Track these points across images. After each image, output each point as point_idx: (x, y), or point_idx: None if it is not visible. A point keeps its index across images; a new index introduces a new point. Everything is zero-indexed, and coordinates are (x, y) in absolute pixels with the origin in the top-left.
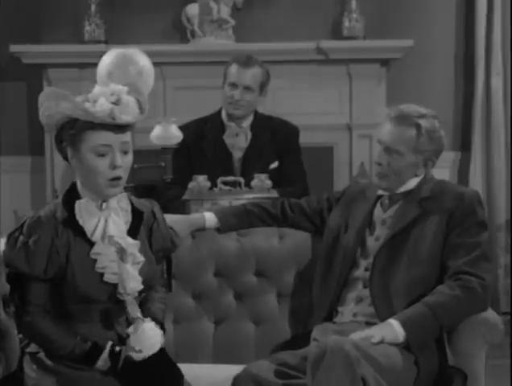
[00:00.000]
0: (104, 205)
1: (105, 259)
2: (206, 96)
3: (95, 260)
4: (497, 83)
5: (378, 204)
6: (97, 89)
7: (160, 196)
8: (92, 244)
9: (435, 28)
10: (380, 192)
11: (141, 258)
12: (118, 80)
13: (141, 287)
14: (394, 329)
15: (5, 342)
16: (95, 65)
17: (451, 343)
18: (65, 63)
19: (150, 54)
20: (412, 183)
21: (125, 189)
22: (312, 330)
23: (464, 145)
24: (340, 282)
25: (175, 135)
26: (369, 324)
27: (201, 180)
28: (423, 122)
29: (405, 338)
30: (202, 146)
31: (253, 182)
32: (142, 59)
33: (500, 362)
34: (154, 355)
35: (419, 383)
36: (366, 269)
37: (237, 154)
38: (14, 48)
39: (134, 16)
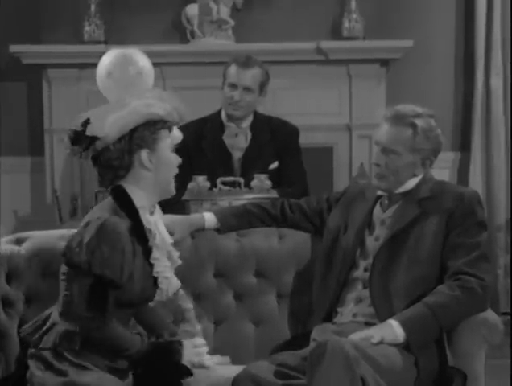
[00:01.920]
0: (154, 211)
1: (161, 264)
2: (206, 96)
3: (150, 266)
4: (497, 83)
5: (378, 204)
6: (150, 92)
7: None
8: (147, 250)
9: (434, 28)
10: (379, 192)
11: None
12: (118, 80)
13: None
14: (393, 329)
15: (4, 342)
16: (95, 65)
17: (451, 344)
18: (65, 63)
19: (149, 54)
20: (411, 183)
21: None
22: (312, 330)
23: (463, 145)
24: (340, 283)
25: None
26: (368, 325)
27: (201, 180)
28: (418, 121)
29: (405, 338)
30: (202, 147)
31: (253, 183)
32: (141, 60)
33: (499, 362)
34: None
35: (418, 383)
36: (366, 270)
37: (237, 155)
38: (14, 48)
39: (133, 16)
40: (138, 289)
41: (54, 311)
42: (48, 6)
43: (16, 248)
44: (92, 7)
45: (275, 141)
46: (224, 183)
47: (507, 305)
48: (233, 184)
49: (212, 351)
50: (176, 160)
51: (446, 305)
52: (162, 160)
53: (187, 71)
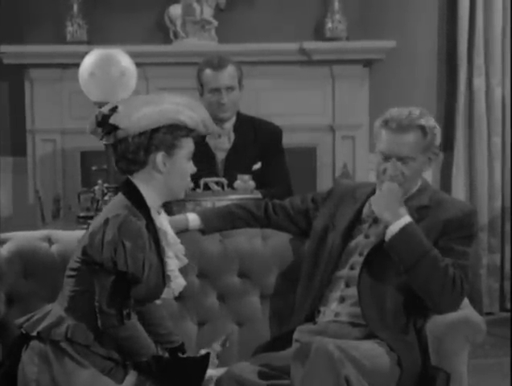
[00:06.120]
0: (160, 212)
1: (173, 262)
2: (189, 96)
3: (161, 264)
4: (480, 83)
5: (368, 203)
6: (181, 98)
7: None
8: (158, 248)
9: (417, 29)
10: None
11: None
12: (100, 81)
13: None
14: (402, 221)
15: None
16: (77, 66)
17: (433, 343)
18: (47, 63)
19: (132, 54)
20: (413, 189)
21: (108, 190)
22: (295, 330)
23: (446, 145)
24: (324, 281)
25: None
26: (352, 324)
27: None
28: (424, 121)
29: (396, 234)
30: None
31: (236, 183)
32: (124, 60)
33: (482, 361)
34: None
35: (402, 383)
36: (352, 268)
37: (220, 156)
38: None
39: (116, 17)
40: (152, 286)
41: (55, 307)
42: (30, 5)
43: None
44: (75, 7)
45: (258, 141)
46: (207, 184)
47: (490, 305)
48: (216, 185)
49: (196, 352)
50: (191, 170)
51: (438, 265)
52: (176, 166)
53: (170, 71)
